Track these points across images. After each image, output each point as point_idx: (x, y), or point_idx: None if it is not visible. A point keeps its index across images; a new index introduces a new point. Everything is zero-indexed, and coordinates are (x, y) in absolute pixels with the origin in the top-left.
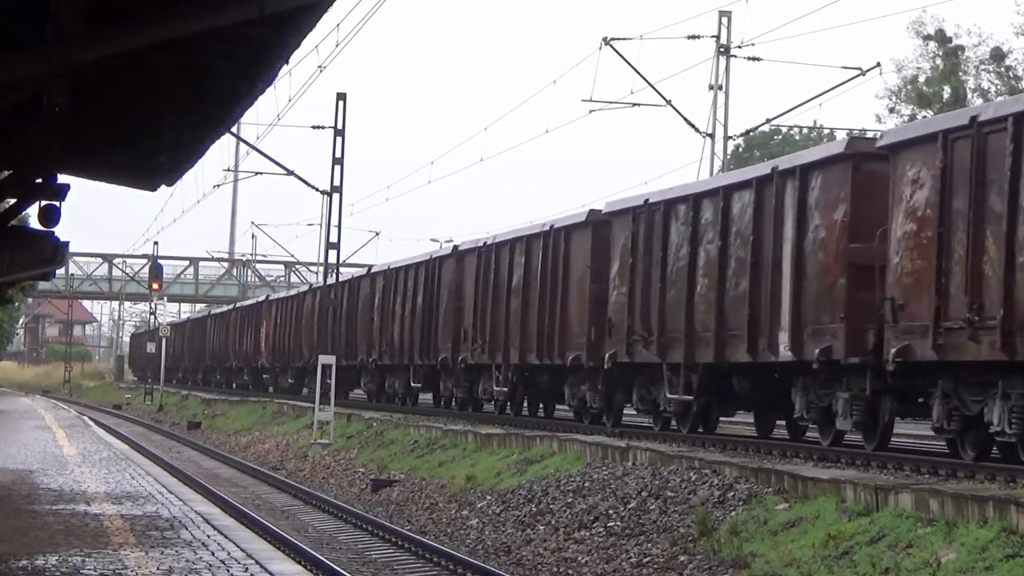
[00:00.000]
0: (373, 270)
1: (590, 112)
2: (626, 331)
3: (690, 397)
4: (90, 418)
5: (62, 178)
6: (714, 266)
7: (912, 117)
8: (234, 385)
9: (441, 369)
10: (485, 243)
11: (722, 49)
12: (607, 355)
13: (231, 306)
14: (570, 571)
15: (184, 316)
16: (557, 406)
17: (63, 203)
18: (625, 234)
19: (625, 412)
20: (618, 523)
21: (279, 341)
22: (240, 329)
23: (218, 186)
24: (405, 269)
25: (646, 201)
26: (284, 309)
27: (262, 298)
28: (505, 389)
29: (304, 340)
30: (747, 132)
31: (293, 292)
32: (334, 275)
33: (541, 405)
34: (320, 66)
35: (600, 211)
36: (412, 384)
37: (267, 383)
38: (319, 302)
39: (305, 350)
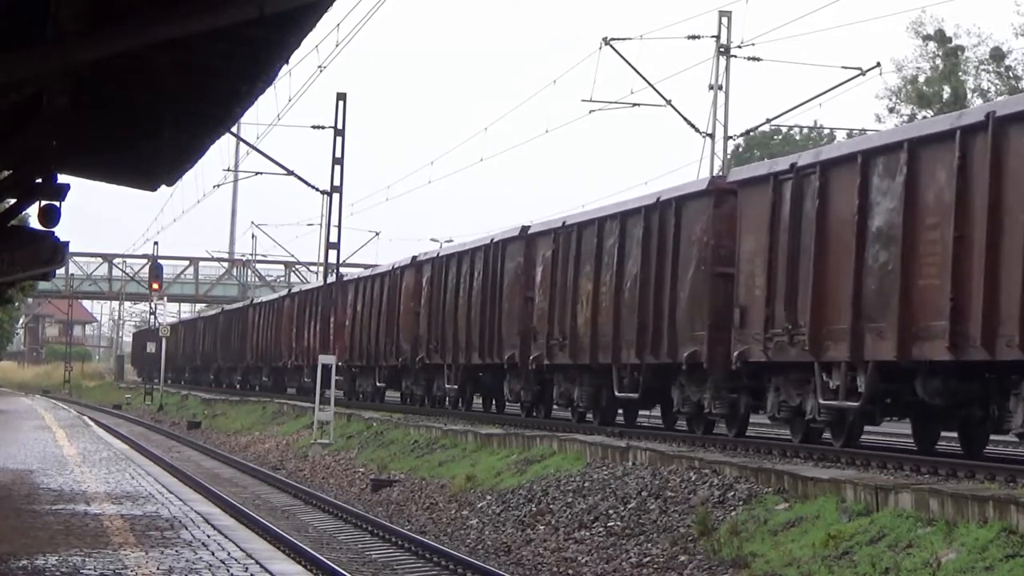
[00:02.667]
0: (531, 231)
1: (590, 112)
2: None
3: None
4: (90, 418)
5: (62, 178)
6: None
7: (912, 117)
8: (291, 390)
9: (688, 370)
10: (793, 164)
11: (722, 49)
12: None
13: (282, 293)
14: (570, 571)
15: (183, 313)
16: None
17: (63, 203)
18: None
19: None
20: (618, 523)
21: (361, 334)
22: (299, 320)
23: (218, 186)
24: (598, 224)
25: None
26: (369, 293)
27: (332, 279)
28: (854, 405)
29: (403, 332)
30: (747, 132)
31: (381, 270)
32: (334, 275)
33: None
34: (320, 66)
35: None
36: (617, 393)
37: (337, 386)
38: (430, 280)
39: (404, 344)
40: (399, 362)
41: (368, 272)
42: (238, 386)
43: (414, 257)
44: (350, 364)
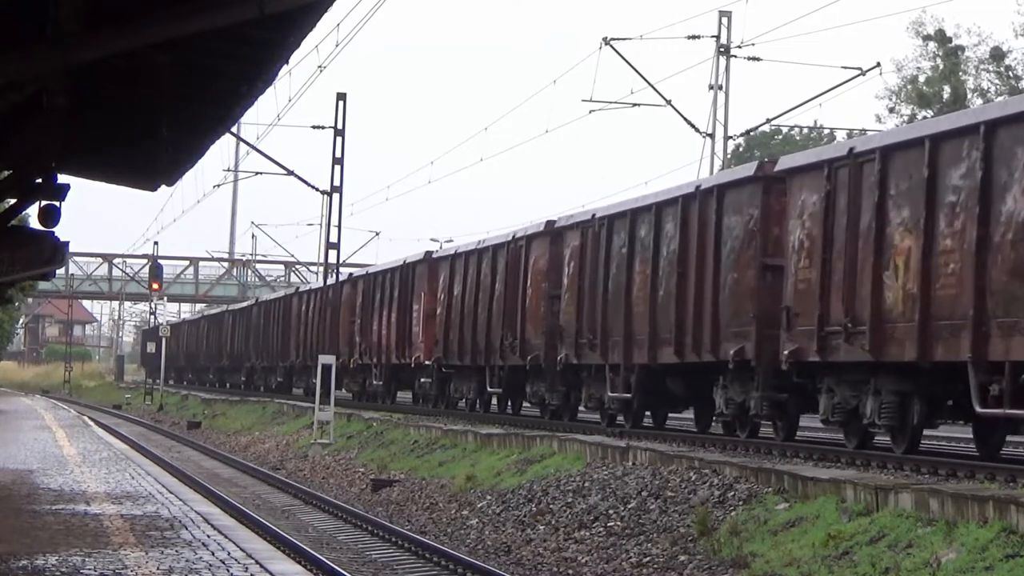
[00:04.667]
0: (779, 168)
1: (590, 112)
2: None
3: None
4: (90, 418)
5: (62, 178)
6: None
7: (912, 117)
8: (343, 391)
9: None
10: None
11: (722, 49)
12: None
13: (344, 276)
14: (570, 571)
15: (184, 313)
16: None
17: (63, 203)
18: None
19: None
20: (618, 523)
21: (461, 326)
22: (365, 310)
23: (218, 186)
24: (930, 146)
25: None
26: (473, 272)
27: (418, 256)
28: None
29: (531, 323)
30: (747, 132)
31: (493, 241)
32: (334, 275)
33: None
34: (320, 66)
35: None
36: (980, 409)
37: (423, 391)
38: (579, 252)
39: (535, 338)
40: (526, 362)
41: (471, 245)
42: (275, 387)
43: (549, 222)
44: (442, 363)
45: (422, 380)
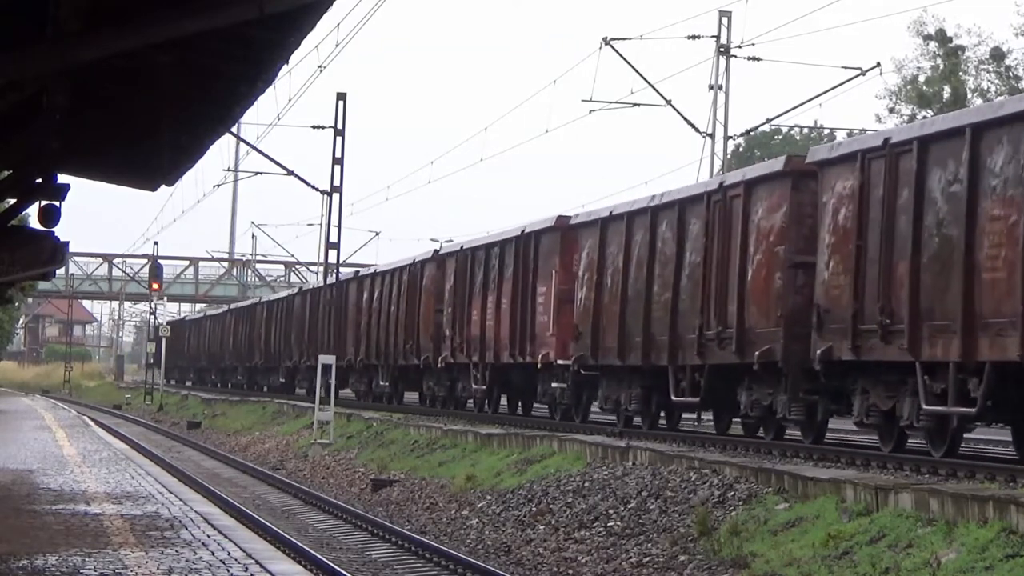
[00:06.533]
0: None
1: (590, 112)
2: None
3: None
4: (90, 418)
5: (62, 178)
6: None
7: (912, 117)
8: (432, 401)
9: None
10: None
11: (722, 49)
12: None
13: (419, 255)
14: (570, 571)
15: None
16: None
17: (63, 203)
18: None
19: None
20: (618, 523)
21: (623, 311)
22: (459, 295)
23: (218, 186)
24: None
25: None
26: (643, 239)
27: (544, 223)
28: None
29: (754, 300)
30: (747, 132)
31: (701, 187)
32: (334, 275)
33: None
34: (320, 66)
35: None
36: None
37: (552, 399)
38: (864, 188)
39: (761, 325)
40: (753, 358)
41: (638, 203)
42: (308, 393)
43: (789, 157)
44: (585, 363)
45: (552, 385)
